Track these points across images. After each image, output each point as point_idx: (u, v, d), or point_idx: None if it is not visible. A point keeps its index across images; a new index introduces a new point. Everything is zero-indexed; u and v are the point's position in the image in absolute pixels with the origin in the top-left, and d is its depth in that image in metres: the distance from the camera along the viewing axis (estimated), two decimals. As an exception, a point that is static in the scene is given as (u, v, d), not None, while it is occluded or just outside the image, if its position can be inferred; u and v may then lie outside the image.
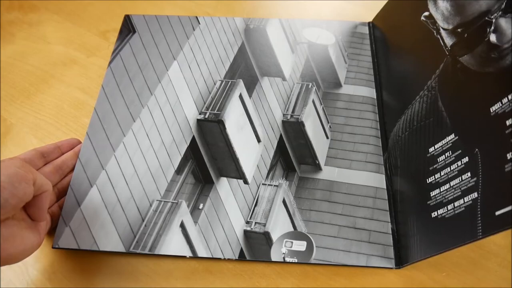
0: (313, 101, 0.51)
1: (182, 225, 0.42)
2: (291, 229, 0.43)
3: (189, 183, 0.45)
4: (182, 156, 0.46)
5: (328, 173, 0.46)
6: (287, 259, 0.41)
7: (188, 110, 0.49)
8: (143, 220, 0.42)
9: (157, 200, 0.43)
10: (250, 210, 0.44)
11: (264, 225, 0.43)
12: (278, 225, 0.43)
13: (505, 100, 0.34)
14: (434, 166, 0.40)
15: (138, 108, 0.48)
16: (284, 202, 0.45)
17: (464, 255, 0.42)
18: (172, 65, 0.52)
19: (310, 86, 0.52)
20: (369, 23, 0.58)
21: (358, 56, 0.55)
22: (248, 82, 0.51)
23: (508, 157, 0.32)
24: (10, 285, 0.41)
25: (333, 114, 0.50)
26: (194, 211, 0.43)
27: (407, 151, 0.45)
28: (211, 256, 0.41)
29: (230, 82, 0.51)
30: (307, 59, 0.54)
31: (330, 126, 0.49)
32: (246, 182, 0.46)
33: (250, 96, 0.50)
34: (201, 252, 0.41)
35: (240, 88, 0.51)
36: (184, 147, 0.47)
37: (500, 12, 0.38)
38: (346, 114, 0.50)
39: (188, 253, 0.41)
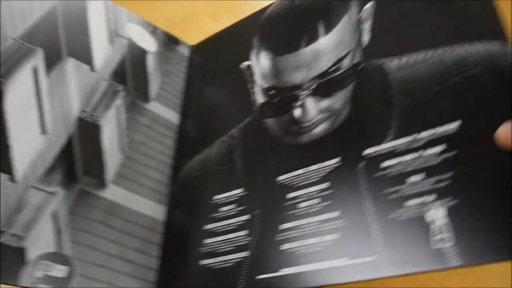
0: (117, 107, 0.46)
1: None
2: (55, 249, 0.37)
3: None
4: None
5: (112, 192, 0.42)
6: (40, 285, 0.35)
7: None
8: None
9: None
10: (7, 216, 0.35)
11: (22, 238, 0.36)
12: (39, 242, 0.36)
13: (291, 174, 0.39)
14: (215, 215, 0.42)
15: None
16: (54, 215, 0.38)
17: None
18: None
19: (119, 89, 0.47)
20: (192, 46, 0.57)
21: (173, 75, 0.53)
22: (50, 56, 0.41)
23: (280, 228, 0.37)
24: None
25: (133, 129, 0.47)
26: None
27: (195, 191, 0.46)
28: None
29: (26, 47, 0.40)
30: (123, 57, 0.49)
31: (128, 141, 0.46)
32: (13, 179, 0.36)
33: (47, 74, 0.41)
34: None
35: (37, 59, 0.40)
36: None
37: (309, 92, 0.41)
38: (146, 132, 0.48)
39: None
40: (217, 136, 0.47)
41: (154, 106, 0.49)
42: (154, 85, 0.50)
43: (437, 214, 0.28)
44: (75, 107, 0.42)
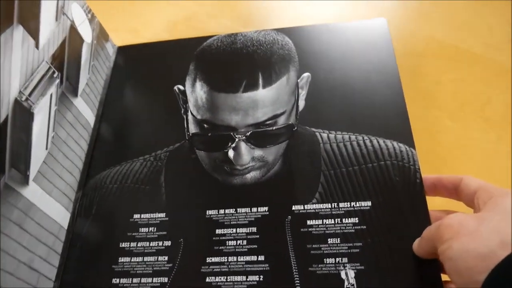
0: (51, 96, 0.41)
1: None
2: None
3: None
4: None
5: (32, 191, 0.37)
6: None
7: None
8: None
9: None
10: None
11: None
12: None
13: (222, 212, 0.41)
14: (133, 234, 0.41)
15: None
16: (-26, 210, 0.32)
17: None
18: None
19: (55, 76, 0.42)
20: (118, 47, 0.54)
21: (98, 73, 0.50)
22: (1, 17, 0.35)
23: (207, 261, 0.38)
24: None
25: (59, 124, 0.42)
26: None
27: (109, 205, 0.44)
28: None
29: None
30: (64, 41, 0.44)
31: (53, 136, 0.41)
32: None
33: (-5, 37, 0.34)
34: None
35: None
36: None
37: (244, 137, 0.43)
38: (69, 130, 0.43)
39: None
40: (140, 152, 0.46)
41: (79, 103, 0.46)
42: (83, 80, 0.47)
43: (350, 274, 0.37)
44: (14, 86, 0.36)
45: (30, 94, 0.38)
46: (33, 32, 0.39)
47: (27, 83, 0.38)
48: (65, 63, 0.44)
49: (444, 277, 0.34)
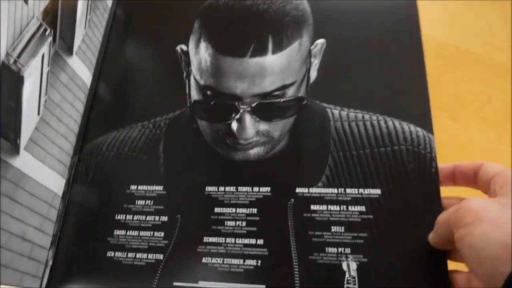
0: (42, 56, 0.38)
1: None
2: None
3: None
4: None
5: (23, 161, 0.35)
6: None
7: None
8: None
9: None
10: None
11: None
12: None
13: (221, 189, 0.39)
14: (129, 206, 0.40)
15: None
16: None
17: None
18: None
19: (47, 34, 0.38)
20: (117, -2, 0.50)
21: (96, 28, 0.46)
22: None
23: (204, 240, 0.37)
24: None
25: (53, 86, 0.39)
26: None
27: (106, 173, 0.42)
28: None
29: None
30: (57, -6, 0.40)
31: (46, 100, 0.38)
32: None
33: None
34: None
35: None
36: None
37: (249, 108, 0.40)
38: (63, 92, 0.41)
39: None
40: (139, 118, 0.43)
41: (74, 62, 0.42)
42: (78, 37, 0.43)
43: (352, 266, 0.36)
44: (1, 47, 0.33)
45: (19, 56, 0.35)
46: (21, -17, 0.35)
47: (16, 44, 0.35)
48: (59, 18, 0.40)
49: (450, 266, 0.33)
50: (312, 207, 0.38)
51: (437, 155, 0.38)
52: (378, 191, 0.37)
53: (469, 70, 0.59)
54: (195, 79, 0.42)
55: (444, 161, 0.38)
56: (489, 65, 0.59)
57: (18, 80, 0.35)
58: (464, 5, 0.65)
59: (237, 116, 0.40)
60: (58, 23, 0.40)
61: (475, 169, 0.33)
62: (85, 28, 0.44)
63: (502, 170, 0.31)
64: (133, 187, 0.41)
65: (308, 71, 0.42)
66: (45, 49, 0.38)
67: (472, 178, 0.34)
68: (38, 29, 0.37)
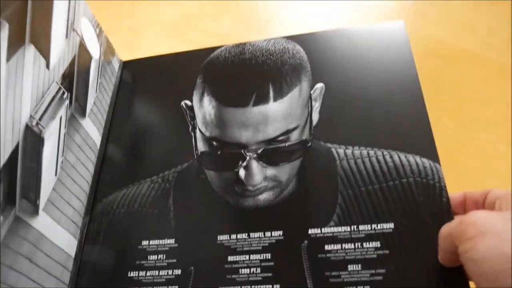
0: (60, 118, 0.39)
1: None
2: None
3: None
4: None
5: (41, 222, 0.35)
6: None
7: None
8: None
9: None
10: None
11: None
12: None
13: (233, 237, 0.39)
14: (141, 262, 0.39)
15: None
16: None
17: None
18: None
19: (65, 97, 0.40)
20: (124, 62, 0.52)
21: (105, 91, 0.48)
22: (13, 34, 0.33)
23: None
24: None
25: (68, 147, 0.40)
26: None
27: (117, 231, 0.42)
28: None
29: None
30: (74, 59, 0.42)
31: (62, 161, 0.39)
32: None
33: (7, 59, 0.32)
34: None
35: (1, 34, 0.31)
36: None
37: (255, 155, 0.41)
38: (77, 153, 0.41)
39: None
40: (147, 173, 0.44)
41: (87, 124, 0.44)
42: (90, 99, 0.45)
43: None
44: (25, 110, 0.34)
45: (40, 118, 0.36)
46: (45, 51, 0.37)
47: (38, 107, 0.36)
48: (74, 82, 0.42)
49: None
50: (326, 247, 0.37)
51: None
52: (391, 225, 0.37)
53: (469, 70, 0.57)
54: (200, 131, 0.43)
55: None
56: (489, 65, 0.57)
57: (39, 142, 0.35)
58: (464, 5, 0.64)
59: (244, 164, 0.40)
60: (74, 87, 0.41)
61: (485, 195, 0.34)
62: (96, 91, 0.46)
63: (508, 191, 0.32)
64: (144, 242, 0.40)
65: (310, 114, 0.43)
66: (62, 111, 0.39)
67: (482, 206, 0.35)
68: (57, 92, 0.38)
